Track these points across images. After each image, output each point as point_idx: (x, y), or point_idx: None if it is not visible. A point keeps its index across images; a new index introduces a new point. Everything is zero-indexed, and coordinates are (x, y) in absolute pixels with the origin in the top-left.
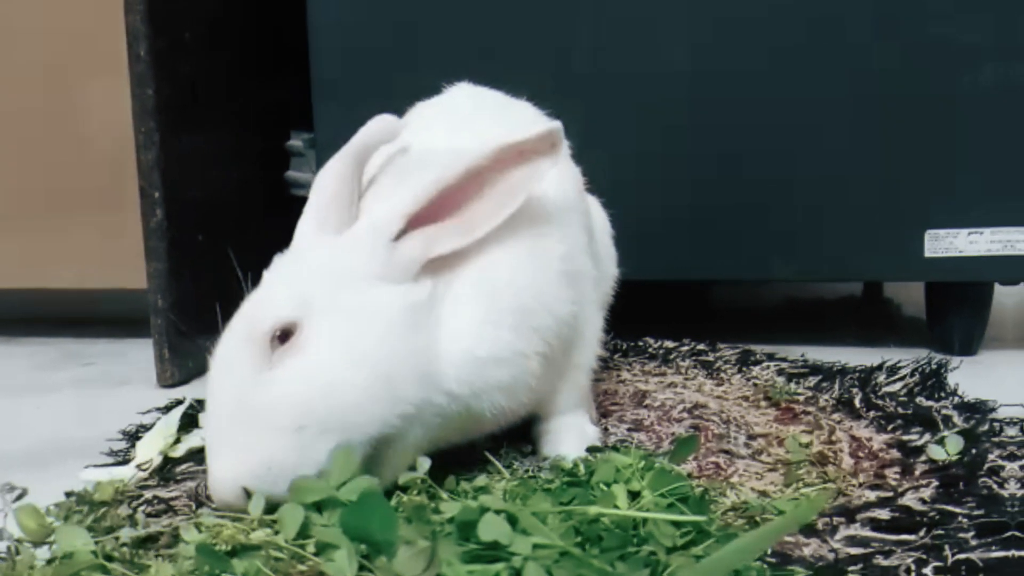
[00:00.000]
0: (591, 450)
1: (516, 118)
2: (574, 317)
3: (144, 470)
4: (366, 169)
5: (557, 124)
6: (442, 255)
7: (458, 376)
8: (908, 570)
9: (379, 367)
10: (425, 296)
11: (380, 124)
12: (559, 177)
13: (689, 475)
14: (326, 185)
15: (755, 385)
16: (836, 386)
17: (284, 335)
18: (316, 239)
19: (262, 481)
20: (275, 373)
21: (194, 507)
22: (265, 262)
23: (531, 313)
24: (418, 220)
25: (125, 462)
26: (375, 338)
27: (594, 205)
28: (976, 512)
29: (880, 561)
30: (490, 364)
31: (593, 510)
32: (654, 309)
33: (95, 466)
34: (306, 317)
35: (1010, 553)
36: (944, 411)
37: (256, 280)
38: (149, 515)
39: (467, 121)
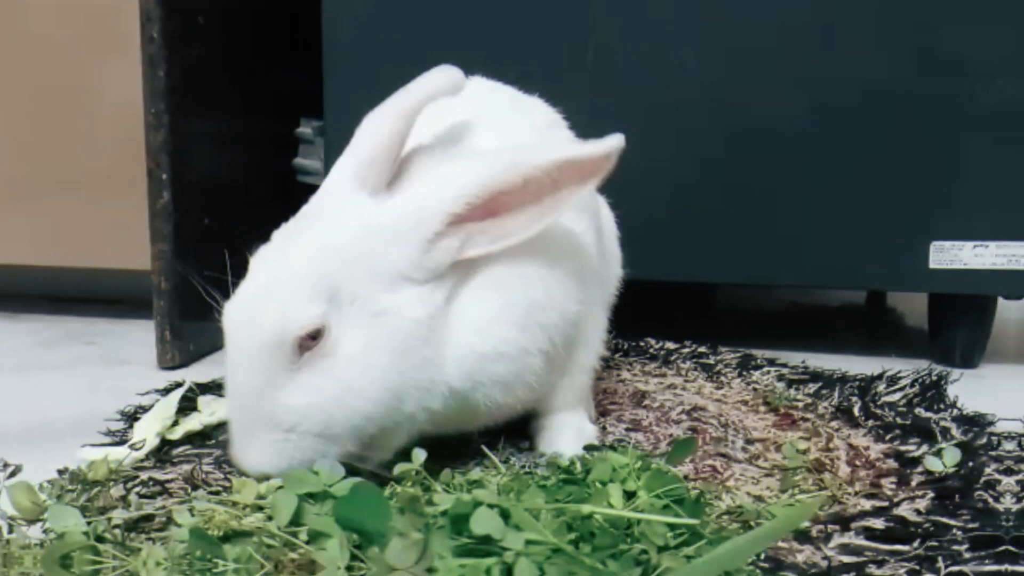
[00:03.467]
0: (588, 448)
1: (531, 114)
2: (580, 316)
3: (137, 449)
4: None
5: (617, 141)
6: (473, 256)
7: (460, 372)
8: None
9: (394, 381)
10: (443, 299)
11: (444, 76)
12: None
13: (685, 477)
14: (373, 137)
15: (755, 390)
16: (836, 394)
17: (313, 335)
18: (351, 198)
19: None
20: (303, 379)
21: (189, 490)
22: None
23: (541, 309)
24: (460, 217)
25: (123, 442)
26: (396, 351)
27: (602, 205)
28: (971, 525)
29: (873, 570)
30: (492, 359)
31: (586, 508)
32: (656, 310)
33: (92, 445)
34: (334, 318)
35: (1003, 567)
36: (943, 423)
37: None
38: (143, 496)
39: (484, 114)
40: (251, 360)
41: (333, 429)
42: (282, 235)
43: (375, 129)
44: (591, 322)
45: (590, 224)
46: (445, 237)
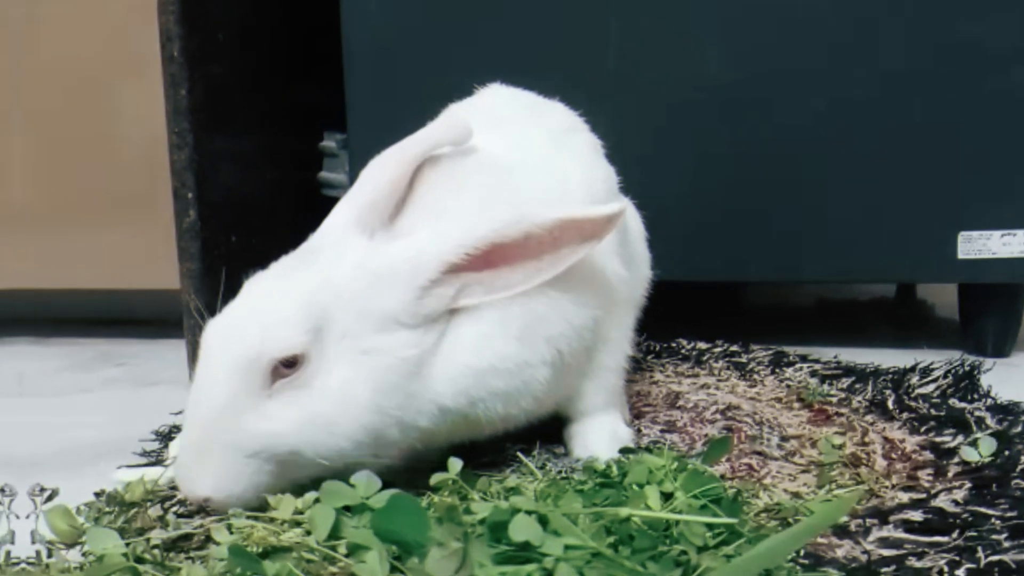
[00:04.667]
0: (624, 451)
1: (548, 119)
2: (595, 321)
3: None
4: None
5: (621, 206)
6: (467, 306)
7: (452, 391)
8: (941, 572)
9: (372, 419)
10: (434, 340)
11: (451, 125)
12: (588, 178)
13: (722, 476)
14: (374, 182)
15: (788, 386)
16: (869, 387)
17: (290, 362)
18: (350, 239)
19: (232, 500)
20: (274, 406)
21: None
22: None
23: (542, 320)
24: (457, 267)
25: (158, 462)
26: (377, 391)
27: (628, 207)
28: (1009, 514)
29: (913, 563)
30: (488, 374)
31: (624, 511)
32: (687, 310)
33: (128, 466)
34: (316, 350)
35: None
36: (977, 413)
37: None
38: (180, 516)
39: (500, 122)
40: (222, 378)
41: (298, 458)
42: (279, 266)
43: (376, 175)
44: (613, 323)
45: None
46: (440, 285)
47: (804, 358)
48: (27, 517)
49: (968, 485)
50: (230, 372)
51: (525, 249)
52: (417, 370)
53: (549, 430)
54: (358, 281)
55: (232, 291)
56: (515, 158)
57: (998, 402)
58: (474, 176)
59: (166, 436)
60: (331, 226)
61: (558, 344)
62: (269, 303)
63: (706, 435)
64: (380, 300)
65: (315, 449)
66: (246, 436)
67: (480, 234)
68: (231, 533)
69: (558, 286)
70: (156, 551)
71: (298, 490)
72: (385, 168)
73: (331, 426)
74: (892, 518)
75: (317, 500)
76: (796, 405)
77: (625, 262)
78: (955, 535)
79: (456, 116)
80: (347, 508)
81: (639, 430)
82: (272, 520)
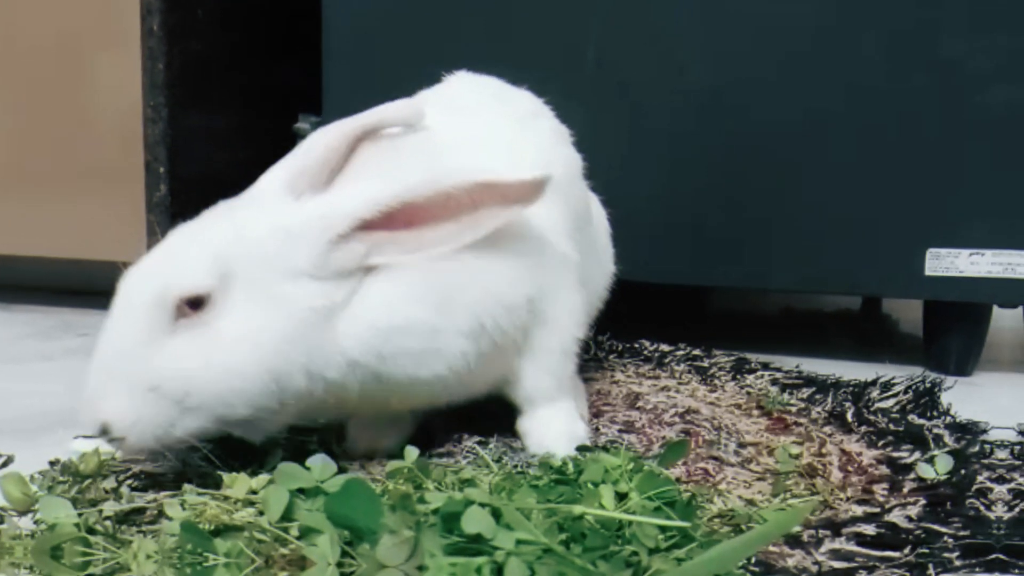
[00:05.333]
0: (580, 449)
1: (513, 105)
2: (530, 300)
3: None
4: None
5: (548, 174)
6: (380, 264)
7: (361, 346)
8: None
9: (274, 363)
10: (345, 295)
11: (401, 108)
12: (545, 160)
13: (677, 479)
14: (310, 150)
15: (748, 393)
16: (829, 399)
17: (195, 302)
18: (275, 199)
19: (125, 432)
20: (175, 343)
21: (180, 484)
22: None
23: (462, 289)
24: (370, 224)
25: None
26: (279, 335)
27: (593, 200)
28: (962, 532)
29: None
30: (394, 332)
31: (578, 509)
32: (652, 312)
33: (84, 437)
34: (221, 293)
35: (994, 575)
36: (936, 430)
37: None
38: (134, 489)
39: (463, 108)
40: (128, 316)
41: (195, 398)
42: (201, 217)
43: (313, 142)
44: (557, 304)
45: (563, 205)
46: (350, 240)
47: (766, 366)
48: None
49: (923, 502)
50: (137, 309)
51: (444, 210)
52: (325, 322)
53: (507, 423)
54: (271, 237)
55: None
56: (466, 139)
57: (957, 420)
58: (413, 151)
59: None
60: (261, 186)
61: (480, 317)
62: (181, 248)
63: (664, 437)
64: (290, 253)
65: (214, 389)
66: (145, 370)
67: (394, 192)
68: (184, 509)
69: (486, 257)
70: (108, 523)
71: (253, 472)
72: (322, 138)
73: (229, 366)
74: (845, 531)
75: (272, 481)
76: (755, 412)
77: (581, 248)
78: (907, 551)
79: (409, 100)
80: (301, 491)
81: (597, 429)
82: (226, 499)
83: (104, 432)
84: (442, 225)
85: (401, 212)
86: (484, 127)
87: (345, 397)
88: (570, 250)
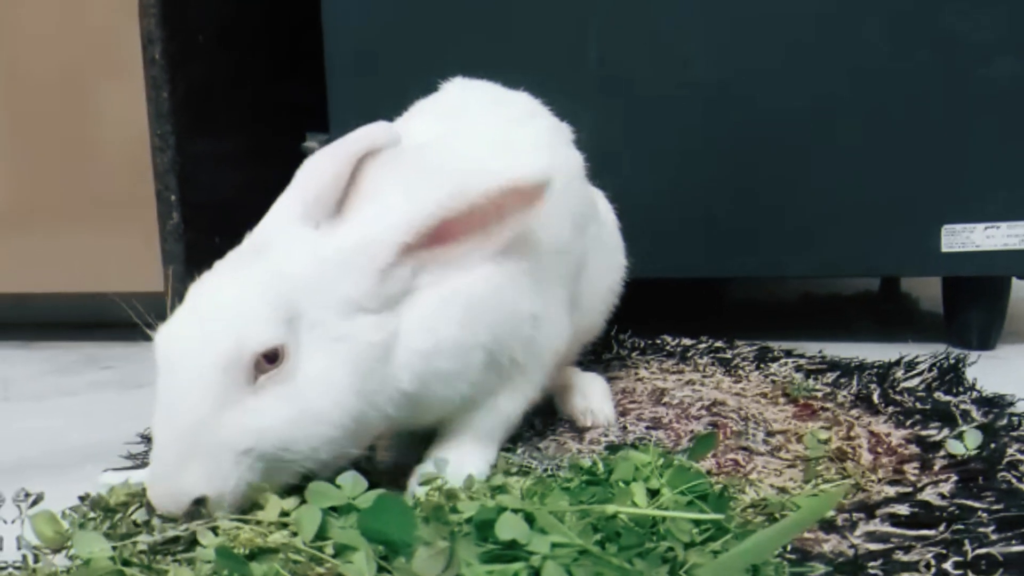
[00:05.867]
0: (610, 448)
1: (509, 108)
2: (535, 317)
3: None
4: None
5: (546, 174)
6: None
7: (410, 375)
8: (928, 565)
9: (354, 404)
10: (396, 324)
11: (380, 130)
12: (541, 159)
13: (708, 472)
14: (317, 177)
15: (773, 382)
16: (854, 382)
17: (271, 356)
18: (296, 231)
19: (225, 499)
20: (263, 401)
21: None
22: None
23: (481, 303)
24: (411, 247)
25: (144, 465)
26: (357, 374)
27: (599, 197)
28: (995, 507)
29: (900, 556)
30: (433, 355)
31: (611, 508)
32: (671, 307)
33: (114, 470)
34: (292, 342)
35: None
36: (962, 406)
37: None
38: (165, 520)
39: (461, 113)
40: (200, 381)
41: (289, 453)
42: (226, 265)
43: (318, 169)
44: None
45: (559, 207)
46: (398, 267)
47: (789, 353)
48: (13, 522)
49: (954, 478)
50: (207, 375)
51: (471, 220)
52: (385, 355)
53: (530, 431)
54: (316, 271)
55: None
56: (463, 146)
57: (983, 395)
58: (416, 162)
59: (151, 439)
60: (274, 221)
61: (494, 329)
62: (229, 301)
63: (692, 431)
64: (340, 287)
65: (306, 440)
66: (236, 433)
67: (428, 211)
68: (217, 535)
69: (493, 266)
70: (143, 555)
71: (283, 492)
72: (325, 163)
73: (319, 415)
74: (879, 512)
75: (303, 501)
76: (781, 400)
77: (587, 245)
78: (942, 528)
79: (383, 124)
80: (333, 509)
81: (625, 427)
82: (259, 522)
83: (199, 506)
84: (473, 235)
85: (435, 229)
86: (481, 134)
87: (387, 428)
88: (571, 249)
